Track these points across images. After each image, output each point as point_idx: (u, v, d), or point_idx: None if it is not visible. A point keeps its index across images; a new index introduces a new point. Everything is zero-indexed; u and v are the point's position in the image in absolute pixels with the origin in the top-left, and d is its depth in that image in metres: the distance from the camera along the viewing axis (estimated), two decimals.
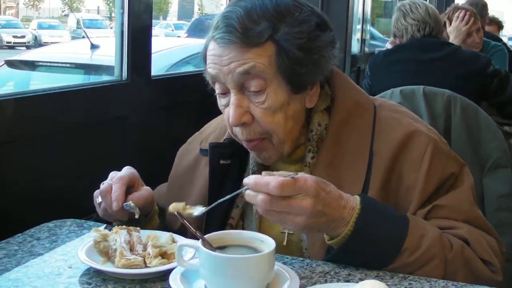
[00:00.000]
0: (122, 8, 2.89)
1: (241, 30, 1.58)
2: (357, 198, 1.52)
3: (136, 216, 1.68)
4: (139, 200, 1.72)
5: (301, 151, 1.76)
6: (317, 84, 1.73)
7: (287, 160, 1.78)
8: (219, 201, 1.51)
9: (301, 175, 1.42)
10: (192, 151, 1.98)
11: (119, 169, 1.79)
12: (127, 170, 1.77)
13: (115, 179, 1.71)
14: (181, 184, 1.95)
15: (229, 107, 1.65)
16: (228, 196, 1.50)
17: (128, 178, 1.73)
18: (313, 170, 1.70)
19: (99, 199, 1.73)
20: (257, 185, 1.39)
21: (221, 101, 1.71)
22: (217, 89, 1.69)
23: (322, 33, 1.67)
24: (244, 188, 1.43)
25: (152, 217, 1.85)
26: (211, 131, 1.97)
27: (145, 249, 1.53)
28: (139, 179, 1.79)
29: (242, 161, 1.86)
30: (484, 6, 5.90)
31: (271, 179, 1.39)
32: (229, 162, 1.85)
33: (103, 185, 1.72)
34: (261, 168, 1.81)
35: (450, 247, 1.56)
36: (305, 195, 1.41)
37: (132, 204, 1.67)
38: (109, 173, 1.79)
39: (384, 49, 4.80)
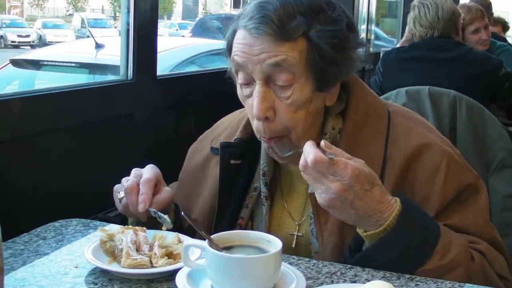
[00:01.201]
0: (128, 7, 2.89)
1: (278, 23, 1.57)
2: (396, 199, 1.53)
3: (164, 229, 1.66)
4: (162, 204, 1.72)
5: None
6: (339, 83, 1.72)
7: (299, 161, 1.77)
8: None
9: (344, 160, 1.45)
10: (202, 149, 1.97)
11: (126, 168, 1.78)
12: (152, 170, 1.75)
13: (143, 181, 1.70)
14: (191, 182, 1.95)
15: (251, 99, 1.64)
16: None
17: (155, 180, 1.72)
18: None
19: (121, 195, 1.72)
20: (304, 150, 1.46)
21: (242, 91, 1.69)
22: (240, 78, 1.66)
23: (351, 34, 1.67)
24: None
25: (168, 214, 1.85)
26: (222, 130, 1.96)
27: (151, 249, 1.53)
28: (162, 179, 1.77)
29: (252, 161, 1.86)
30: (489, 6, 5.89)
31: (314, 152, 1.44)
32: (240, 162, 1.84)
33: (128, 182, 1.70)
34: (272, 169, 1.81)
35: (472, 258, 1.56)
36: (337, 180, 1.44)
37: (166, 217, 1.64)
38: (115, 172, 1.79)
39: (395, 47, 4.79)
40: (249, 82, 1.65)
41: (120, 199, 1.73)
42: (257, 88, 1.62)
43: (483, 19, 4.83)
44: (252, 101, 1.64)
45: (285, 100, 1.62)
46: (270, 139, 1.68)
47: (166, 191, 1.75)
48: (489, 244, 1.64)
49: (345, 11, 1.69)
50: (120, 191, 1.73)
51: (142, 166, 1.78)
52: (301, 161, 1.45)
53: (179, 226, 1.77)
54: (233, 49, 1.65)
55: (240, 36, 1.63)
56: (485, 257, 1.59)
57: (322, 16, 1.61)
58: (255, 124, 1.68)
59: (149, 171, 1.74)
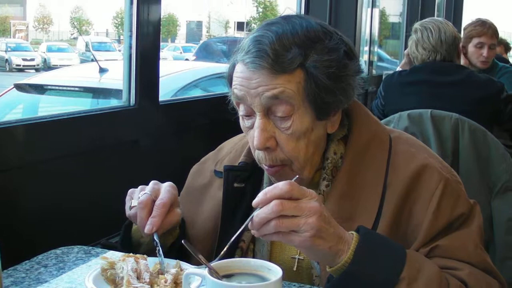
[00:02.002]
0: (131, 30, 2.91)
1: (273, 56, 1.59)
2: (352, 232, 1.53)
3: (156, 251, 1.65)
4: (168, 226, 1.72)
5: (317, 176, 1.76)
6: (340, 110, 1.73)
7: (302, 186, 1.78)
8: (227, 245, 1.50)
9: (301, 200, 1.44)
10: (205, 171, 1.99)
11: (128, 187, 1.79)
12: (170, 192, 1.73)
13: (159, 204, 1.69)
14: (192, 202, 1.95)
15: (253, 130, 1.66)
16: (238, 231, 1.49)
17: (170, 204, 1.72)
18: (327, 199, 1.71)
19: (133, 203, 1.72)
20: (267, 192, 1.42)
21: (244, 123, 1.71)
22: (241, 110, 1.69)
23: (349, 62, 1.68)
24: (254, 213, 1.43)
25: (173, 232, 1.84)
26: (226, 153, 1.97)
27: (153, 276, 1.52)
28: (177, 200, 1.77)
29: (255, 184, 1.86)
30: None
31: (278, 183, 1.43)
32: (243, 185, 1.85)
33: (143, 197, 1.70)
34: (298, 181, 1.80)
35: (447, 286, 1.54)
36: (311, 198, 1.44)
37: (162, 256, 1.63)
38: (119, 198, 1.79)
39: (397, 70, 4.79)
40: (250, 114, 1.67)
41: (131, 207, 1.73)
42: (257, 120, 1.64)
43: (492, 38, 4.82)
44: (254, 132, 1.65)
45: (285, 130, 1.64)
46: (272, 167, 1.69)
47: (176, 214, 1.75)
48: (480, 269, 1.62)
49: (343, 39, 1.70)
50: (133, 199, 1.73)
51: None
52: (273, 205, 1.40)
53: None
54: (233, 82, 1.67)
55: (239, 70, 1.66)
56: (466, 285, 1.57)
57: (319, 46, 1.63)
58: (257, 154, 1.70)
59: (167, 193, 1.73)
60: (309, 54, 1.61)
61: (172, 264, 1.61)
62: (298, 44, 1.61)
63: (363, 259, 1.48)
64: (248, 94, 1.62)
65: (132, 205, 1.73)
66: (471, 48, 4.88)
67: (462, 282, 1.57)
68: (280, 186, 1.42)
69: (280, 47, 1.60)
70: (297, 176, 1.55)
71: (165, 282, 1.49)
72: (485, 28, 4.84)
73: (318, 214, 1.42)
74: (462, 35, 4.70)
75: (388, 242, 1.57)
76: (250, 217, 1.43)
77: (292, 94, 1.61)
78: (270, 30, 1.64)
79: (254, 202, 1.43)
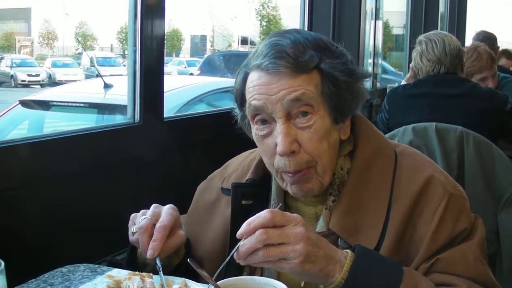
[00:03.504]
0: (135, 46, 2.92)
1: (293, 55, 1.62)
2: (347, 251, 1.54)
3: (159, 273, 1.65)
4: (172, 249, 1.72)
5: (324, 192, 1.76)
6: (350, 116, 1.75)
7: (309, 201, 1.78)
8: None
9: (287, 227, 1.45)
10: (213, 189, 1.99)
11: (134, 211, 1.78)
12: (171, 215, 1.74)
13: (159, 227, 1.69)
14: (200, 220, 1.95)
15: (272, 138, 1.66)
16: (228, 257, 1.49)
17: (171, 227, 1.72)
18: (333, 213, 1.71)
19: (134, 229, 1.73)
20: (250, 222, 1.43)
21: (259, 133, 1.70)
22: (258, 121, 1.69)
23: (355, 67, 1.73)
24: (239, 243, 1.43)
25: (178, 253, 1.84)
26: (233, 170, 1.97)
27: None
28: (179, 221, 1.78)
29: (263, 201, 1.85)
30: (495, 40, 5.90)
31: (261, 212, 1.44)
32: (251, 202, 1.84)
33: (143, 221, 1.70)
34: (282, 209, 1.80)
35: None
36: (295, 224, 1.45)
37: (159, 264, 1.63)
38: (124, 215, 1.79)
39: (401, 84, 4.78)
40: (269, 123, 1.67)
41: (133, 233, 1.74)
42: (279, 125, 1.64)
43: (492, 68, 4.76)
44: (272, 139, 1.66)
45: (307, 129, 1.65)
46: (297, 172, 1.68)
47: (179, 236, 1.75)
48: (479, 283, 1.62)
49: (344, 50, 1.75)
50: (135, 224, 1.74)
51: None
52: (258, 234, 1.41)
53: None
54: (249, 94, 1.68)
55: (255, 78, 1.66)
56: None
57: (329, 51, 1.68)
58: (278, 161, 1.69)
59: (167, 216, 1.73)
60: (323, 56, 1.66)
61: (178, 282, 1.60)
62: (312, 48, 1.65)
63: (357, 279, 1.49)
64: (269, 102, 1.63)
65: (133, 231, 1.74)
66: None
67: None
68: (263, 215, 1.42)
69: (297, 49, 1.64)
70: (280, 204, 1.61)
71: None
72: (482, 62, 4.76)
73: (305, 239, 1.43)
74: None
75: (385, 261, 1.57)
76: (236, 247, 1.43)
77: (312, 96, 1.63)
78: (283, 36, 1.68)
79: (238, 233, 1.44)
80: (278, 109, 1.63)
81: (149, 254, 1.65)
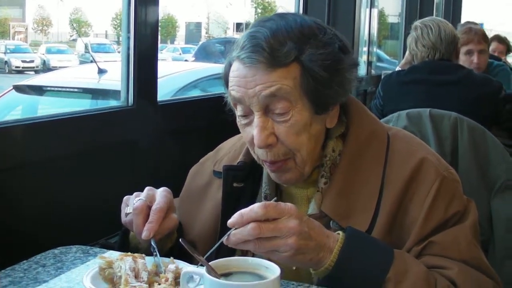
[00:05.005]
0: (129, 32, 2.91)
1: (268, 50, 1.59)
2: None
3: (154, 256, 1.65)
4: (165, 231, 1.72)
5: (315, 174, 1.76)
6: (338, 104, 1.74)
7: (300, 184, 1.78)
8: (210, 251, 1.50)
9: (281, 219, 1.45)
10: (205, 172, 1.99)
11: (127, 194, 1.78)
12: (166, 197, 1.74)
13: (156, 209, 1.69)
14: (192, 203, 1.96)
15: (251, 128, 1.66)
16: (220, 241, 1.49)
17: (167, 209, 1.72)
18: (325, 195, 1.71)
19: (128, 210, 1.73)
20: (243, 214, 1.43)
21: (241, 121, 1.71)
22: (239, 110, 1.69)
23: (344, 56, 1.69)
24: (231, 230, 1.43)
25: (170, 236, 1.84)
26: (225, 153, 1.97)
27: (151, 275, 1.52)
28: (173, 205, 1.78)
29: (255, 184, 1.86)
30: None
31: (254, 205, 1.44)
32: (242, 185, 1.85)
33: (138, 203, 1.70)
34: (274, 191, 1.82)
35: (434, 287, 1.55)
36: (289, 216, 1.44)
37: (160, 260, 1.62)
38: (117, 199, 1.79)
39: (396, 70, 4.79)
40: (248, 114, 1.67)
41: (126, 214, 1.74)
42: (256, 118, 1.64)
43: (480, 44, 4.82)
44: (251, 129, 1.66)
45: (284, 124, 1.64)
46: (274, 162, 1.69)
47: (172, 219, 1.75)
48: (472, 266, 1.62)
49: (337, 34, 1.72)
50: (128, 205, 1.74)
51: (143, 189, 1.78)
52: (250, 228, 1.42)
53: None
54: (230, 83, 1.68)
55: (234, 68, 1.66)
56: (455, 285, 1.57)
57: (313, 41, 1.64)
58: (257, 150, 1.70)
59: (163, 198, 1.73)
60: (304, 48, 1.62)
61: (167, 261, 1.60)
62: (293, 39, 1.62)
63: (347, 261, 1.51)
64: (246, 95, 1.63)
65: (127, 212, 1.73)
66: (462, 56, 4.88)
67: (451, 281, 1.57)
68: (256, 209, 1.42)
69: (275, 41, 1.61)
70: (275, 197, 1.61)
71: (166, 280, 1.48)
72: (471, 35, 4.84)
73: (297, 233, 1.44)
74: None
75: (375, 243, 1.58)
76: (227, 234, 1.44)
77: (289, 90, 1.61)
78: (264, 26, 1.65)
79: (230, 222, 1.44)
80: (255, 103, 1.63)
81: (144, 235, 1.65)
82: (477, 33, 4.84)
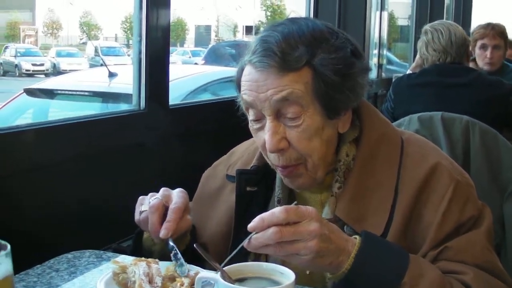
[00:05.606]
0: (140, 35, 2.91)
1: (280, 54, 1.59)
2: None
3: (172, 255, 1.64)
4: (180, 232, 1.72)
5: (329, 179, 1.76)
6: (349, 109, 1.73)
7: (314, 188, 1.78)
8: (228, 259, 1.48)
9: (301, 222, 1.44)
10: (218, 175, 1.99)
11: (139, 195, 1.78)
12: (183, 198, 1.74)
13: (174, 209, 1.69)
14: (205, 206, 1.96)
15: (263, 133, 1.66)
16: (237, 249, 1.48)
17: (184, 210, 1.72)
18: (339, 200, 1.71)
19: (143, 208, 1.72)
20: (264, 219, 1.41)
21: (253, 126, 1.71)
22: (251, 115, 1.69)
23: (356, 60, 1.68)
24: (251, 234, 1.43)
25: (184, 236, 1.84)
26: (238, 157, 1.97)
27: (164, 281, 1.52)
28: (189, 208, 1.77)
29: (268, 189, 1.86)
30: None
31: (275, 209, 1.43)
32: (256, 189, 1.85)
33: (154, 201, 1.70)
34: (287, 196, 1.82)
35: None
36: (310, 219, 1.43)
37: (173, 244, 1.63)
38: (128, 202, 1.79)
39: (407, 73, 4.79)
40: (260, 118, 1.67)
41: (141, 212, 1.73)
42: (268, 123, 1.64)
43: (494, 38, 4.82)
44: (263, 134, 1.66)
45: (296, 129, 1.63)
46: (286, 167, 1.69)
47: (187, 220, 1.75)
48: (487, 271, 1.62)
49: (349, 38, 1.71)
50: (143, 204, 1.73)
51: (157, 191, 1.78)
52: (271, 233, 1.40)
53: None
54: (242, 88, 1.68)
55: (246, 73, 1.66)
56: None
57: (325, 45, 1.63)
58: (269, 155, 1.70)
59: (180, 199, 1.73)
60: (316, 52, 1.62)
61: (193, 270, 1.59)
62: (305, 43, 1.62)
63: (363, 266, 1.49)
64: (257, 99, 1.62)
65: (142, 210, 1.73)
66: (476, 51, 4.89)
67: (466, 286, 1.56)
68: (277, 214, 1.41)
69: (287, 46, 1.60)
70: (295, 201, 1.57)
71: (181, 285, 1.48)
72: (487, 30, 4.86)
73: (318, 236, 1.43)
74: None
75: (391, 247, 1.58)
76: (248, 238, 1.43)
77: (301, 94, 1.61)
78: (276, 30, 1.65)
79: (250, 226, 1.43)
80: (267, 107, 1.62)
81: (162, 233, 1.65)
82: (493, 28, 4.84)
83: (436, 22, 4.11)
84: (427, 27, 4.03)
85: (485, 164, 2.61)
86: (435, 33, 3.90)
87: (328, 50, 1.63)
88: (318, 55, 1.62)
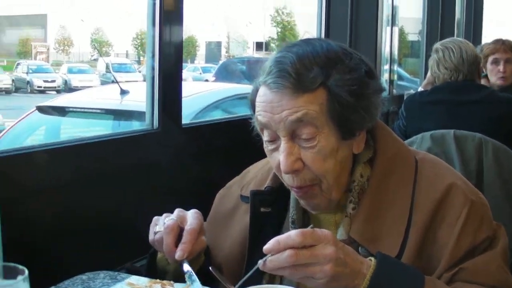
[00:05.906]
0: (153, 52, 2.93)
1: (295, 75, 1.59)
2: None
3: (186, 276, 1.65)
4: (194, 253, 1.72)
5: (343, 200, 1.75)
6: (364, 130, 1.73)
7: (328, 209, 1.77)
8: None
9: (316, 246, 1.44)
10: (231, 196, 1.99)
11: (152, 217, 1.78)
12: (198, 219, 1.74)
13: (190, 230, 1.70)
14: (219, 227, 1.95)
15: (278, 154, 1.66)
16: (252, 270, 1.49)
17: (199, 231, 1.73)
18: (353, 221, 1.70)
19: (157, 228, 1.72)
20: (280, 241, 1.42)
21: (268, 147, 1.70)
22: (266, 136, 1.69)
23: (371, 80, 1.68)
24: (267, 256, 1.42)
25: (197, 260, 1.83)
26: (252, 178, 1.97)
27: None
28: (203, 229, 1.78)
29: (282, 209, 1.86)
30: None
31: (291, 232, 1.43)
32: (270, 210, 1.84)
33: (169, 221, 1.71)
34: (301, 217, 1.81)
35: None
36: (326, 243, 1.44)
37: (188, 265, 1.64)
38: (142, 221, 1.80)
39: (418, 90, 4.79)
40: (275, 139, 1.67)
41: (155, 232, 1.73)
42: (283, 144, 1.64)
43: (506, 53, 4.83)
44: (278, 155, 1.65)
45: (310, 150, 1.63)
46: (300, 188, 1.68)
47: (202, 241, 1.75)
48: None
49: (363, 59, 1.71)
50: (158, 224, 1.74)
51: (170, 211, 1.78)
52: (287, 256, 1.41)
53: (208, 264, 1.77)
54: (257, 108, 1.68)
55: (261, 93, 1.66)
56: None
57: (340, 66, 1.63)
58: (284, 176, 1.70)
59: (195, 220, 1.73)
60: (331, 73, 1.62)
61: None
62: (319, 64, 1.61)
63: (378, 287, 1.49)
64: (272, 120, 1.62)
65: (156, 230, 1.73)
66: (488, 66, 4.88)
67: None
68: (293, 236, 1.42)
69: (302, 66, 1.60)
70: (312, 225, 1.56)
71: None
72: (498, 45, 4.87)
73: (334, 260, 1.43)
74: None
75: (406, 269, 1.57)
76: (263, 259, 1.43)
77: (316, 115, 1.61)
78: (290, 51, 1.65)
79: (266, 248, 1.43)
80: (282, 129, 1.62)
81: (178, 255, 1.65)
82: (504, 43, 4.84)
83: (446, 39, 4.10)
84: (437, 45, 4.02)
85: (498, 182, 2.61)
86: (446, 51, 3.89)
87: (342, 71, 1.63)
88: (332, 76, 1.62)
